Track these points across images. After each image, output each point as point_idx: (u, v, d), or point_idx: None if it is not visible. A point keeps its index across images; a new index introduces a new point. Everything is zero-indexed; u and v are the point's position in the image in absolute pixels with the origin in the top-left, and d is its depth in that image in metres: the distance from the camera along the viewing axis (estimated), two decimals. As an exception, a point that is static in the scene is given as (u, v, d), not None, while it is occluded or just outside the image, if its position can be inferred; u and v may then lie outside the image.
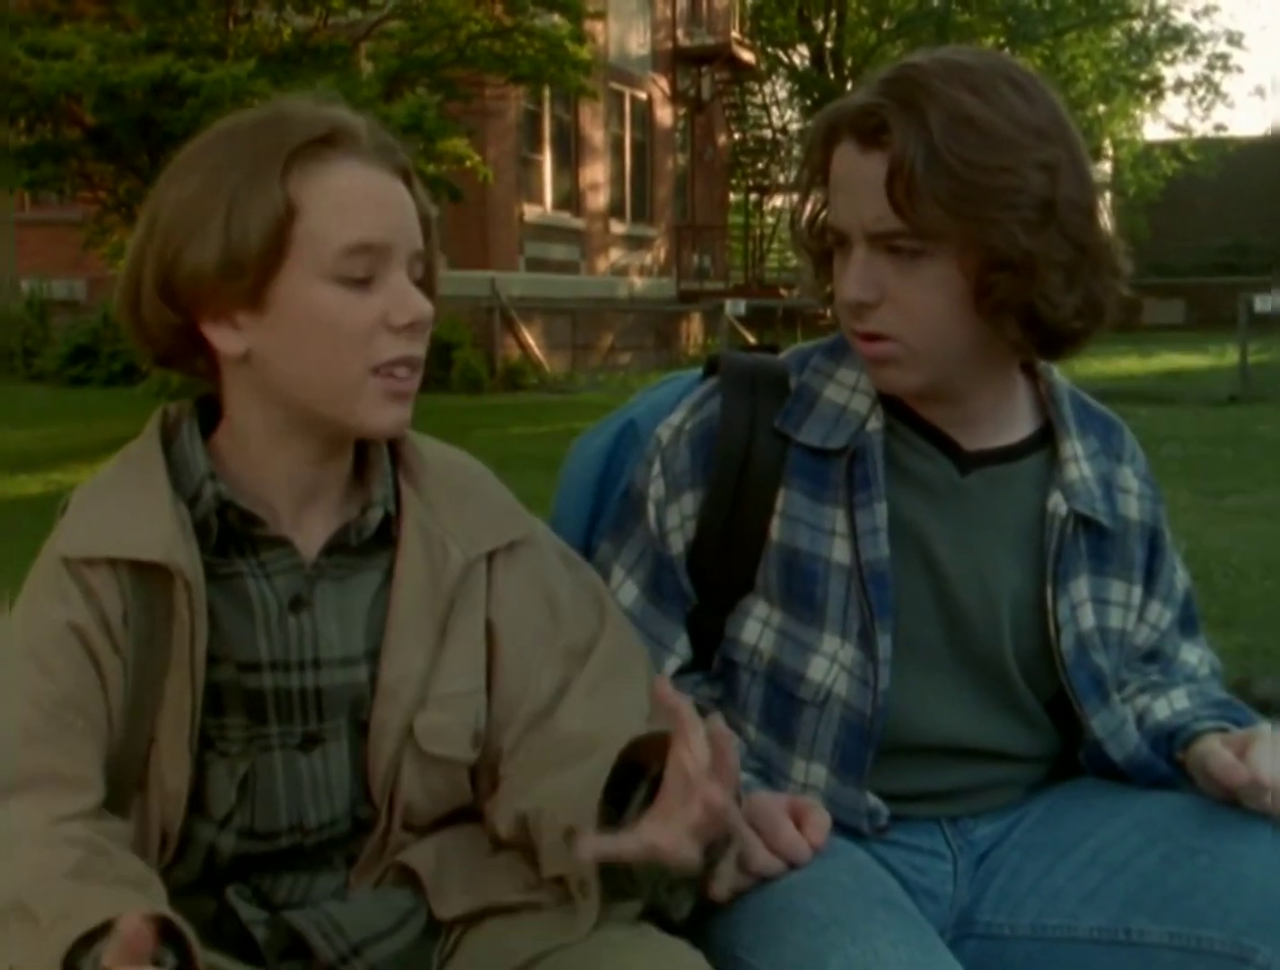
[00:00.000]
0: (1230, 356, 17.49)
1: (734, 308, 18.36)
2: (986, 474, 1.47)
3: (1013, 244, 1.31)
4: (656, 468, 1.53)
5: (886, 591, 1.42)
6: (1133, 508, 1.54)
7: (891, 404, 1.47)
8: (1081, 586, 1.48)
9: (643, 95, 24.09)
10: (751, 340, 21.12)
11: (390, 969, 1.28)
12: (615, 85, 22.61)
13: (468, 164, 14.09)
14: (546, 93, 18.93)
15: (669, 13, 24.76)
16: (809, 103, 36.60)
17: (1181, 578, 1.61)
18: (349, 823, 1.32)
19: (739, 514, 1.48)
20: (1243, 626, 5.67)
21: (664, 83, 24.84)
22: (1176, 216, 36.45)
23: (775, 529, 1.47)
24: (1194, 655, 1.61)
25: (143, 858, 1.21)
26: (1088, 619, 1.48)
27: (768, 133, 30.85)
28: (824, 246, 1.44)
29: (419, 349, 1.27)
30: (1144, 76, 36.17)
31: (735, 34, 27.09)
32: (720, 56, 25.95)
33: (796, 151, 38.88)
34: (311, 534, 1.31)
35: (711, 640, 1.53)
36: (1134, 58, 35.64)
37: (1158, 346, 22.75)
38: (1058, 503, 1.46)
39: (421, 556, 1.32)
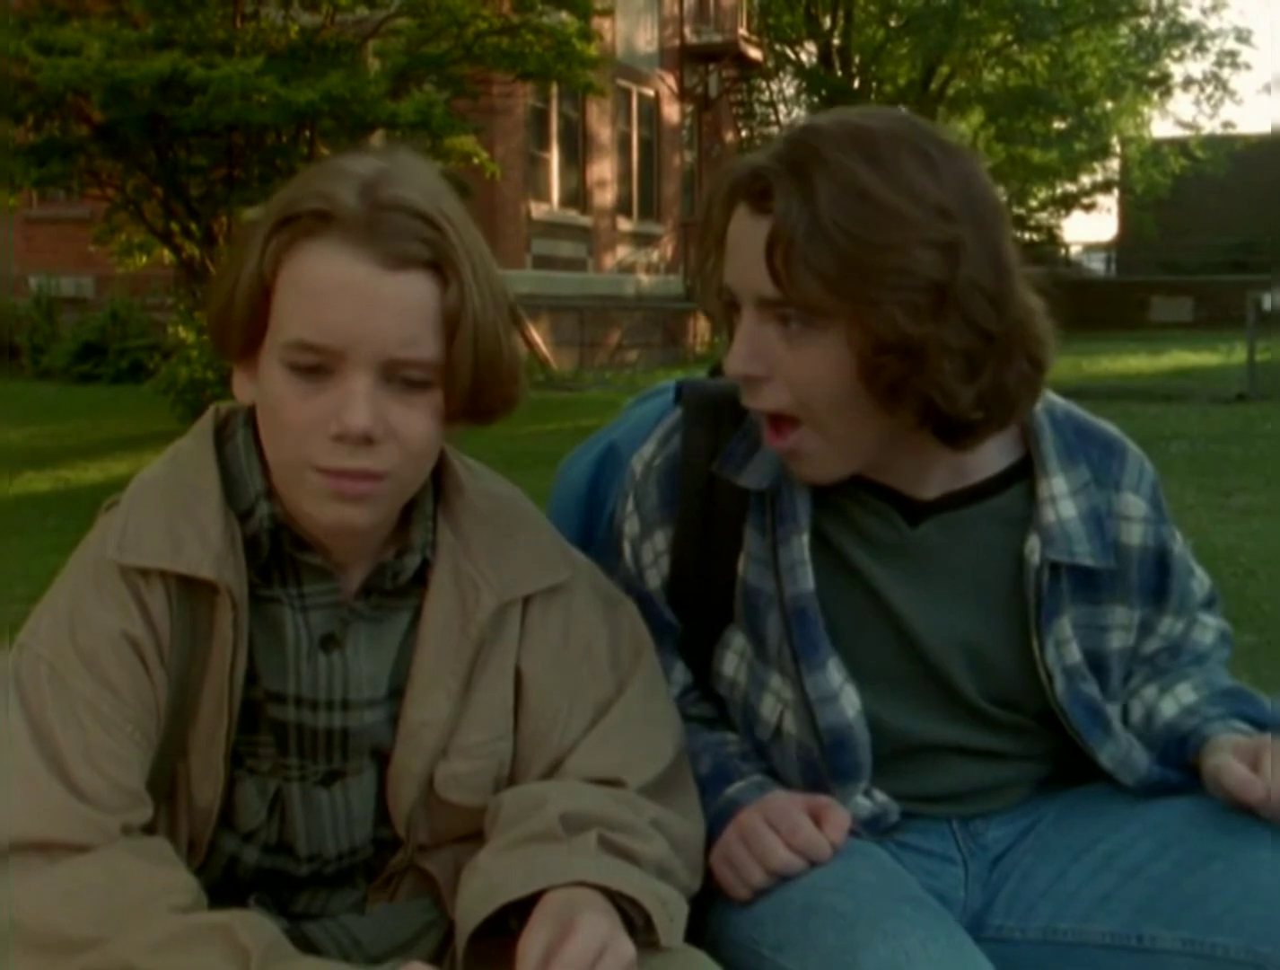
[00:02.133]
0: (1239, 354, 17.44)
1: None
2: (943, 521, 1.42)
3: (893, 328, 1.23)
4: (630, 504, 1.52)
5: (809, 627, 1.38)
6: (1135, 534, 1.48)
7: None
8: (1065, 625, 1.44)
9: (650, 92, 24.06)
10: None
11: None
12: (623, 82, 22.58)
13: (475, 161, 14.07)
14: (554, 90, 18.90)
15: (676, 10, 24.71)
16: (816, 100, 36.57)
17: (1198, 580, 1.59)
18: (370, 848, 1.31)
19: (708, 549, 1.46)
20: (1250, 625, 5.66)
21: (671, 80, 24.81)
22: (1184, 214, 36.42)
23: (741, 564, 1.45)
24: (1208, 632, 1.60)
25: None
26: (1074, 655, 1.44)
27: (775, 130, 30.80)
28: (723, 307, 1.38)
29: (367, 462, 1.17)
30: (1152, 74, 36.07)
31: (743, 31, 27.05)
32: (728, 54, 25.91)
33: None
34: (350, 572, 1.28)
35: (704, 667, 1.53)
36: (1142, 55, 35.54)
37: (1166, 344, 22.73)
38: (1032, 549, 1.40)
39: (452, 598, 1.28)
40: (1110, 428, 1.53)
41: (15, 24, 12.50)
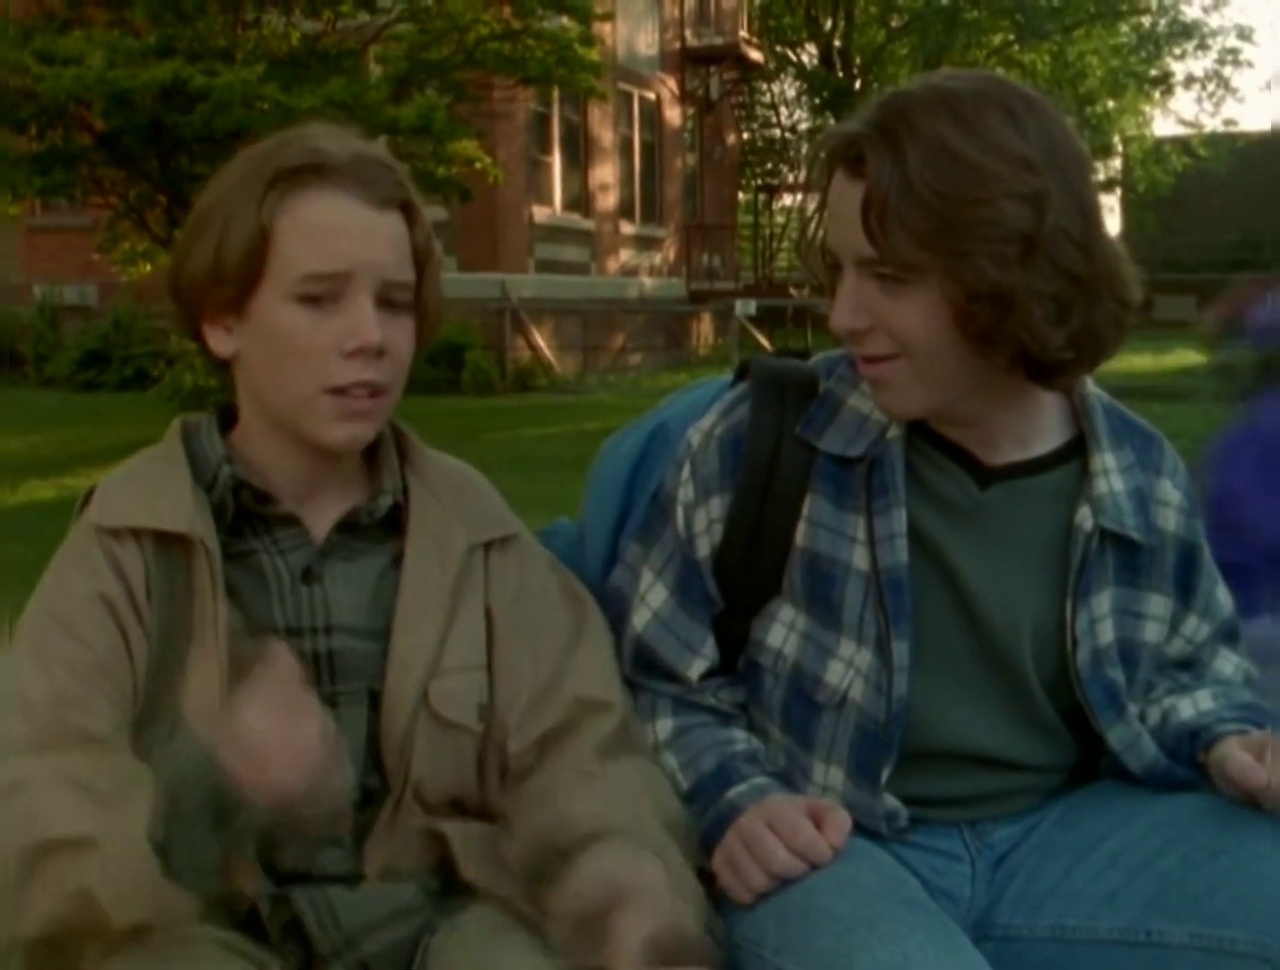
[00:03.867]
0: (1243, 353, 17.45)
1: (744, 307, 18.37)
2: (1008, 488, 1.46)
3: (984, 278, 1.29)
4: (686, 471, 1.53)
5: (903, 598, 1.42)
6: (1170, 520, 1.52)
7: (913, 420, 1.46)
8: (1104, 601, 1.47)
9: (651, 96, 24.09)
10: (762, 340, 21.13)
11: (386, 961, 1.31)
12: (624, 86, 22.61)
13: (477, 165, 14.10)
14: (555, 94, 18.92)
15: (677, 13, 24.76)
16: (818, 101, 36.59)
17: (1224, 593, 1.60)
18: (357, 793, 1.36)
19: (765, 518, 1.49)
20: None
21: (672, 83, 24.83)
22: (1187, 212, 36.38)
23: (801, 534, 1.48)
24: (1229, 664, 1.60)
25: None
26: (1107, 634, 1.46)
27: (776, 132, 30.88)
28: (827, 268, 1.45)
29: (374, 374, 1.35)
30: (1154, 72, 36.06)
31: (743, 33, 27.15)
32: (728, 56, 25.95)
33: (805, 150, 38.90)
34: (319, 517, 1.42)
35: (736, 644, 1.54)
36: (1143, 53, 35.54)
37: (1171, 343, 22.70)
38: (1084, 517, 1.45)
39: (429, 540, 1.42)
40: (1146, 422, 1.59)
41: (17, 34, 12.54)
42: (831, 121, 37.02)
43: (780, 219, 31.16)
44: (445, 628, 1.40)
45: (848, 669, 1.44)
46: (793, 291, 26.63)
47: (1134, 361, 19.63)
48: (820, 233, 1.44)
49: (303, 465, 1.41)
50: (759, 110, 29.60)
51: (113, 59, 11.26)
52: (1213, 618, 1.58)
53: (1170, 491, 1.53)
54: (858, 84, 34.47)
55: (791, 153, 32.98)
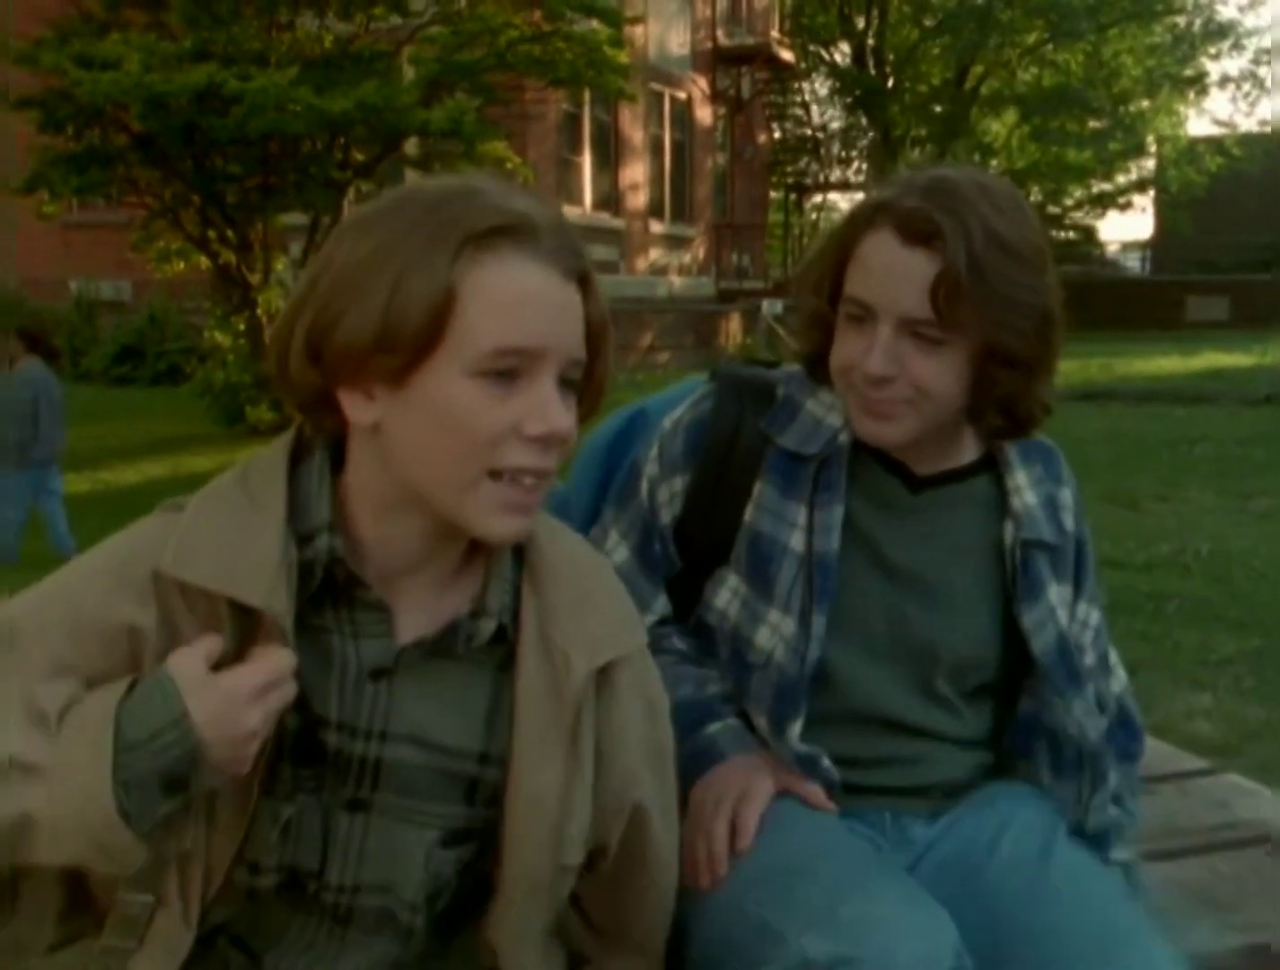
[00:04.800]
0: (1271, 355, 17.39)
1: (771, 307, 18.45)
2: (935, 494, 1.67)
3: (1022, 346, 1.52)
4: (654, 450, 1.75)
5: (829, 579, 1.60)
6: (1069, 521, 1.74)
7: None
8: (1051, 596, 1.66)
9: (682, 95, 24.14)
10: (789, 339, 21.14)
11: None
12: (655, 86, 22.69)
13: (508, 166, 14.20)
14: (586, 95, 18.99)
15: (709, 13, 24.78)
16: (850, 100, 36.53)
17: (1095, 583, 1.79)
18: (375, 908, 1.30)
19: (719, 496, 1.69)
20: (1258, 629, 5.75)
21: (703, 82, 24.87)
22: (1221, 213, 36.18)
23: (749, 514, 1.67)
24: (1117, 682, 1.81)
25: (181, 902, 1.24)
26: (1061, 621, 1.66)
27: (807, 131, 30.84)
28: (827, 309, 1.63)
29: (549, 462, 1.21)
30: (1188, 72, 35.83)
31: (775, 33, 27.11)
32: (760, 56, 25.94)
33: (837, 150, 38.86)
34: (410, 607, 1.28)
35: (690, 601, 1.74)
36: (1178, 53, 35.32)
37: (1201, 344, 22.63)
38: (1009, 532, 1.67)
39: (542, 664, 1.28)
40: (1044, 440, 1.79)
41: (55, 37, 12.72)
42: (864, 120, 37.03)
43: (815, 215, 31.13)
44: (570, 768, 1.28)
45: (773, 634, 1.62)
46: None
47: (1161, 363, 19.57)
48: (828, 276, 1.62)
49: (414, 544, 1.27)
50: (790, 110, 29.51)
51: (149, 63, 11.38)
52: (1098, 606, 1.78)
53: (1068, 497, 1.75)
54: (890, 83, 34.46)
55: (823, 152, 32.96)
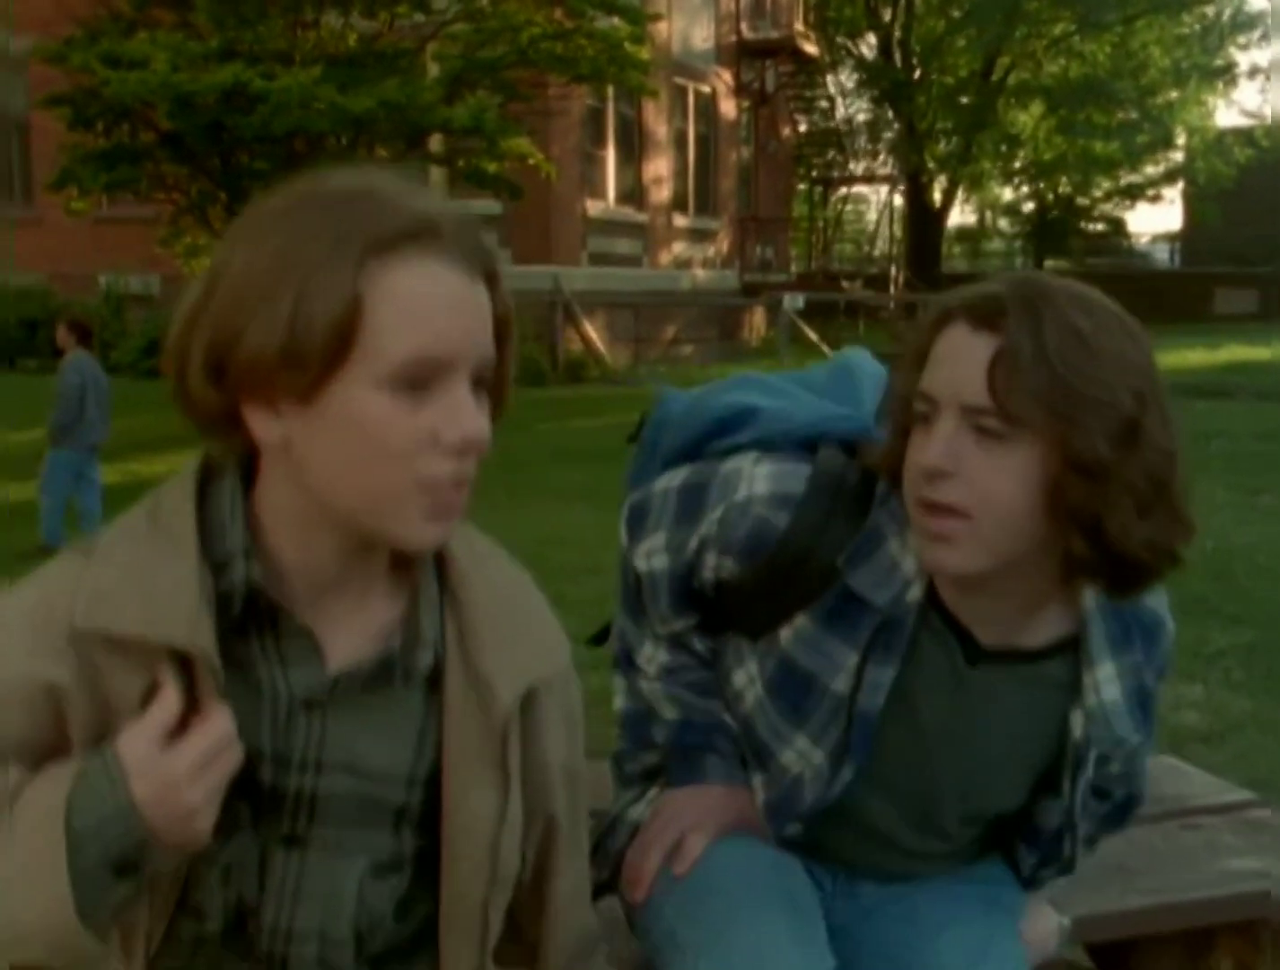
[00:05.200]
0: (1294, 348, 17.38)
1: (792, 302, 18.51)
2: (995, 672, 1.52)
3: (1093, 448, 1.34)
4: (719, 513, 1.60)
5: (868, 736, 1.53)
6: (1148, 711, 1.59)
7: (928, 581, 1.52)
8: (1088, 766, 1.58)
9: (706, 89, 24.23)
10: (810, 334, 21.22)
11: None
12: (679, 80, 22.79)
13: (530, 161, 14.35)
14: (610, 90, 19.10)
15: (733, 6, 24.90)
16: (876, 93, 36.53)
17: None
18: (314, 957, 1.25)
19: (763, 603, 1.57)
20: (1253, 624, 5.84)
21: (728, 76, 24.98)
22: (1250, 204, 36.00)
23: (786, 637, 1.56)
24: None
25: (124, 958, 1.19)
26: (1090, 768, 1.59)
27: (832, 124, 30.88)
28: (909, 417, 1.47)
29: (467, 467, 1.16)
30: (1217, 63, 35.70)
31: (799, 26, 27.15)
32: (784, 49, 26.04)
33: (863, 142, 38.84)
34: (336, 631, 1.23)
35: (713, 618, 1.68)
36: (1207, 44, 35.19)
37: (1226, 338, 22.58)
38: (1076, 724, 1.53)
39: (469, 691, 1.26)
40: (1158, 604, 1.60)
41: (84, 36, 12.94)
42: (889, 113, 37.02)
43: (845, 207, 31.18)
44: (502, 790, 1.27)
45: (800, 759, 1.58)
46: (845, 284, 26.72)
47: (1187, 356, 19.53)
48: (911, 379, 1.47)
49: (333, 561, 1.21)
50: (814, 103, 29.56)
51: (176, 62, 11.60)
52: (1145, 731, 1.63)
53: (1158, 686, 1.59)
54: (916, 74, 34.45)
55: (848, 145, 32.99)
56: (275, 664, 1.21)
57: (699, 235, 24.21)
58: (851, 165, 33.43)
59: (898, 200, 34.16)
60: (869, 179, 35.18)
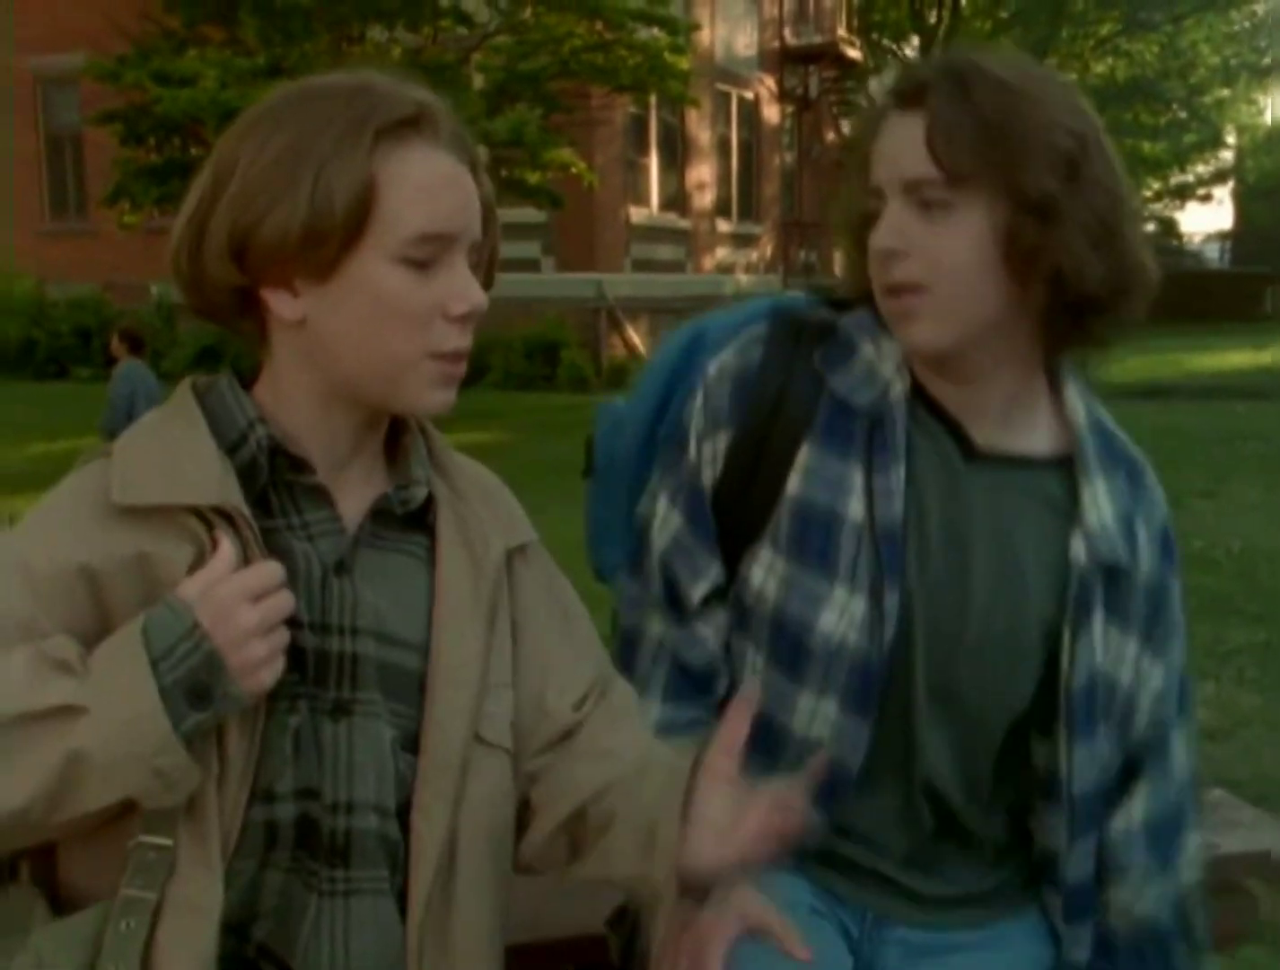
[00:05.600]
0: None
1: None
2: (994, 471, 1.49)
3: (1038, 184, 1.34)
4: (699, 400, 1.58)
5: (896, 549, 1.45)
6: (1144, 557, 1.52)
7: (913, 381, 1.50)
8: (1096, 629, 1.48)
9: (750, 95, 24.34)
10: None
11: None
12: (722, 86, 22.89)
13: (573, 170, 14.52)
14: (653, 97, 19.22)
15: (776, 12, 24.98)
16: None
17: (1180, 648, 1.57)
18: (375, 831, 1.24)
19: (762, 460, 1.53)
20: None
21: (771, 82, 25.08)
22: (1301, 203, 35.66)
23: (794, 483, 1.50)
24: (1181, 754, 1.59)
25: (201, 846, 1.17)
26: (1096, 661, 1.48)
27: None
28: (865, 222, 1.47)
29: (469, 337, 1.26)
30: (1267, 60, 35.45)
31: (842, 32, 27.23)
32: (827, 55, 26.10)
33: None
34: (349, 499, 1.29)
35: (733, 568, 1.58)
36: (1256, 41, 34.95)
37: (1275, 338, 22.41)
38: (1078, 550, 1.46)
39: (461, 543, 1.32)
40: (1129, 441, 1.58)
41: (136, 54, 13.25)
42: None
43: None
44: (488, 640, 1.30)
45: (841, 617, 1.46)
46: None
47: (1231, 358, 19.47)
48: (858, 185, 1.48)
49: (344, 437, 1.28)
50: (859, 107, 29.55)
51: (224, 79, 11.87)
52: (1170, 664, 1.55)
53: (1149, 527, 1.53)
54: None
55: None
56: (302, 536, 1.25)
57: (742, 240, 24.31)
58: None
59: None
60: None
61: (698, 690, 1.57)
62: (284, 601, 1.16)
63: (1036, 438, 1.50)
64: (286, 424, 1.27)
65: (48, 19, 19.26)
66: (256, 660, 1.14)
